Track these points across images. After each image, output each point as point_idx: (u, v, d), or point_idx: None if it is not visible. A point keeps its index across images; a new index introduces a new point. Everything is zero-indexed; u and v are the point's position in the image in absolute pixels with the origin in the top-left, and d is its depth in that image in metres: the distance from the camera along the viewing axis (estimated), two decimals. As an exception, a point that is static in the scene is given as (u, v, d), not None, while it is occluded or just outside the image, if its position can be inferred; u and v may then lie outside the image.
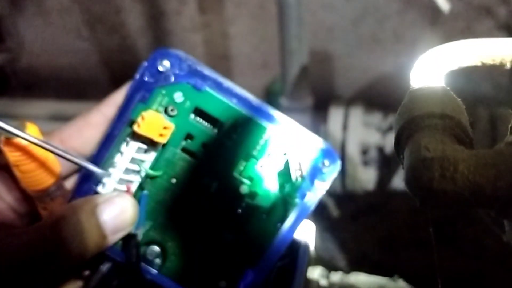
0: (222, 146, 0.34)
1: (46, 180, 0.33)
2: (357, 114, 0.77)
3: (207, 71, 0.35)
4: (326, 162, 0.35)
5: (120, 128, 0.34)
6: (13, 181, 0.33)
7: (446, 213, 0.82)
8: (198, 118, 0.35)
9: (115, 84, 0.36)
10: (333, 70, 0.92)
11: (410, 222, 0.85)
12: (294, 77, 0.76)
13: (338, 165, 0.35)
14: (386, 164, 0.75)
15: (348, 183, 0.76)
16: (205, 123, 0.35)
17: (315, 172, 0.35)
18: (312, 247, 0.40)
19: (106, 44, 1.00)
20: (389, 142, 0.74)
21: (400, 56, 0.86)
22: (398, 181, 0.74)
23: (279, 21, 0.74)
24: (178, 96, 0.34)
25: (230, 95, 0.34)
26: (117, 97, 0.35)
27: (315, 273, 0.45)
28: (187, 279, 0.35)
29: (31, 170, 0.32)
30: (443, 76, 0.27)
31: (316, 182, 0.35)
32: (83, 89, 1.01)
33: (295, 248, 0.38)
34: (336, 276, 0.46)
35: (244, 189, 0.34)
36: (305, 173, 0.34)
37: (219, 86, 0.34)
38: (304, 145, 0.35)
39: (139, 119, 0.33)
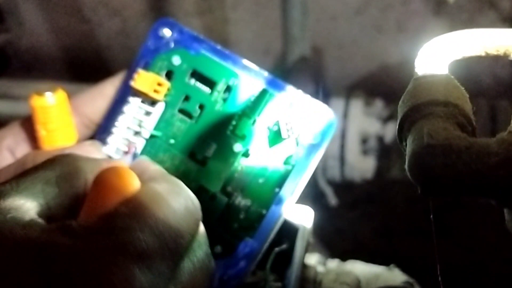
0: (218, 106, 0.36)
1: (66, 141, 0.36)
2: (358, 103, 0.77)
3: (202, 37, 0.37)
4: (320, 122, 0.35)
5: (124, 94, 0.37)
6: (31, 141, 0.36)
7: (443, 203, 0.82)
8: (195, 80, 0.37)
9: (116, 67, 0.37)
10: (335, 58, 0.92)
11: (408, 211, 0.85)
12: (295, 64, 0.76)
13: (333, 126, 0.35)
14: (385, 153, 0.75)
15: (347, 172, 0.76)
16: (201, 85, 0.37)
17: (310, 136, 0.35)
18: (310, 234, 0.40)
19: (108, 27, 0.99)
20: (389, 132, 0.74)
21: (402, 46, 0.85)
22: (397, 171, 0.75)
23: (282, 8, 0.73)
24: (176, 60, 0.37)
25: (225, 58, 0.36)
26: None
27: (312, 259, 0.45)
28: None
29: (55, 129, 0.35)
30: (447, 65, 0.27)
31: (311, 145, 0.35)
32: (84, 70, 1.00)
33: (293, 234, 0.38)
34: (333, 263, 0.46)
35: (237, 147, 0.35)
36: (299, 135, 0.35)
37: (214, 50, 0.36)
38: (298, 107, 0.35)
39: (135, 75, 0.36)
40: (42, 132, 0.35)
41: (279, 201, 0.35)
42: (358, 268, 0.44)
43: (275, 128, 0.35)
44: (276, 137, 0.35)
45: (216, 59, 0.36)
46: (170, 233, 0.24)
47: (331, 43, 0.91)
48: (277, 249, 0.37)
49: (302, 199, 0.36)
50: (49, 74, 0.97)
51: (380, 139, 0.75)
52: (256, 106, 0.35)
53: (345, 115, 0.76)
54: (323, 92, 0.81)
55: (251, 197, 0.35)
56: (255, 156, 0.35)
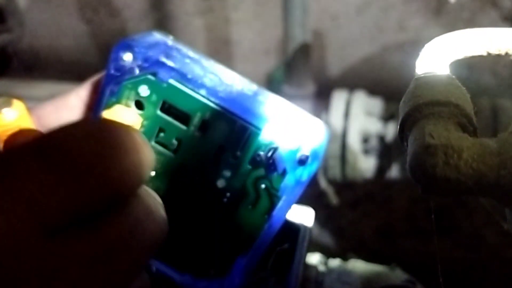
0: (195, 140, 0.32)
1: None
2: (359, 103, 0.77)
3: (171, 62, 0.32)
4: (308, 153, 0.32)
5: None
6: None
7: (444, 203, 0.82)
8: (167, 113, 0.32)
9: None
10: (336, 58, 0.92)
11: (409, 211, 0.85)
12: (296, 64, 0.76)
13: (320, 159, 0.32)
14: (386, 153, 0.75)
15: (348, 172, 0.76)
16: (174, 118, 0.32)
17: (296, 163, 0.32)
18: (311, 234, 0.40)
19: (109, 27, 0.99)
20: (390, 131, 0.74)
21: (403, 46, 0.86)
22: (398, 171, 0.75)
23: (283, 8, 0.73)
24: (144, 90, 0.32)
25: (198, 86, 0.32)
26: (95, 82, 0.34)
27: (313, 259, 0.45)
28: (178, 265, 0.34)
29: None
30: (448, 65, 0.27)
31: (299, 170, 0.32)
32: (84, 71, 1.00)
33: (294, 234, 0.38)
34: (334, 263, 0.46)
35: (221, 183, 0.33)
36: (286, 163, 0.32)
37: (184, 78, 0.32)
38: (283, 134, 0.32)
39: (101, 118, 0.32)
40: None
41: (270, 225, 0.33)
42: (359, 267, 0.44)
43: (259, 158, 0.32)
44: (261, 166, 0.32)
45: (186, 90, 0.32)
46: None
47: (332, 43, 0.91)
48: (278, 248, 0.37)
49: (303, 199, 0.36)
50: (50, 74, 0.97)
51: (381, 138, 0.75)
52: (237, 141, 0.32)
53: (346, 115, 0.76)
54: (324, 92, 0.81)
55: (241, 223, 0.33)
56: (241, 187, 0.33)
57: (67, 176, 0.20)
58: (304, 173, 0.32)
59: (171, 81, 0.32)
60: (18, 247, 0.19)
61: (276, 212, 0.33)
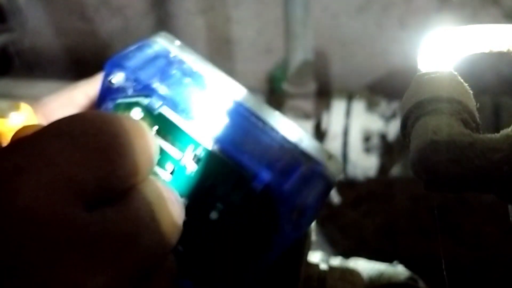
0: (189, 172, 0.29)
1: None
2: (360, 101, 0.77)
3: (165, 87, 0.29)
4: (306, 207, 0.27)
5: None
6: None
7: (446, 201, 0.82)
8: (161, 137, 0.29)
9: None
10: (337, 56, 0.92)
11: (411, 209, 0.85)
12: (298, 62, 0.76)
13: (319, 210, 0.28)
14: (388, 151, 0.75)
15: (350, 170, 0.76)
16: (167, 148, 0.29)
17: (292, 218, 0.28)
18: (313, 232, 0.40)
19: (110, 26, 0.99)
20: (392, 129, 0.74)
21: (405, 43, 0.85)
22: (400, 169, 0.75)
23: (284, 6, 0.73)
24: (136, 112, 0.29)
25: (189, 118, 0.28)
26: (102, 78, 0.34)
27: (315, 257, 0.45)
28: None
29: None
30: (450, 61, 0.27)
31: (296, 215, 0.28)
32: (86, 70, 1.00)
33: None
34: (336, 261, 0.46)
35: (214, 214, 0.29)
36: (281, 214, 0.28)
37: (175, 108, 0.28)
38: (282, 183, 0.27)
39: None
40: None
41: (265, 259, 0.30)
42: (362, 265, 0.44)
43: (252, 202, 0.28)
44: (254, 209, 0.28)
45: (178, 122, 0.28)
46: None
47: (334, 41, 0.91)
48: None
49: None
50: (51, 74, 0.97)
51: (383, 137, 0.75)
52: (228, 183, 0.28)
53: (347, 113, 0.76)
54: (326, 91, 0.81)
55: (236, 255, 0.30)
56: (235, 219, 0.29)
57: (93, 154, 0.22)
58: (303, 222, 0.28)
59: (163, 109, 0.28)
60: (61, 219, 0.20)
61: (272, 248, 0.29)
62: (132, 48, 0.31)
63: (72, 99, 0.35)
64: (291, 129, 0.29)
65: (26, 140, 0.22)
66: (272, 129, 0.29)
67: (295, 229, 0.28)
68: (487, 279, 0.79)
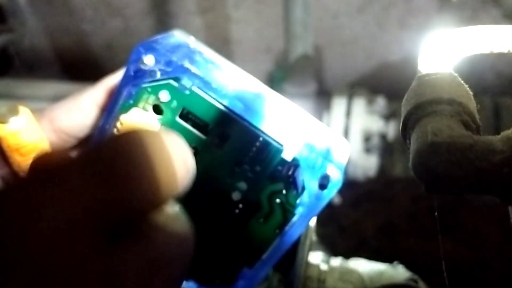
0: (213, 150, 0.31)
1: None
2: (360, 101, 0.77)
3: (196, 68, 0.30)
4: (332, 171, 0.31)
5: (110, 123, 0.32)
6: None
7: (446, 202, 0.82)
8: (185, 120, 0.31)
9: (118, 66, 0.35)
10: (337, 56, 0.92)
11: (411, 210, 0.85)
12: (298, 62, 0.76)
13: (341, 180, 0.32)
14: (388, 151, 0.75)
15: (350, 170, 0.76)
16: (193, 126, 0.31)
17: (317, 183, 0.31)
18: (313, 233, 0.40)
19: (109, 26, 0.99)
20: (391, 130, 0.74)
21: (404, 44, 0.86)
22: (400, 169, 0.75)
23: (284, 6, 0.73)
24: (164, 95, 0.30)
25: (221, 97, 0.30)
26: (109, 83, 0.34)
27: (316, 258, 0.45)
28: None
29: (29, 151, 0.32)
30: (451, 62, 0.27)
31: (318, 190, 0.31)
32: (86, 70, 1.01)
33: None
34: (336, 261, 0.46)
35: (236, 195, 0.32)
36: (306, 183, 0.31)
37: (208, 86, 0.30)
38: (307, 153, 0.30)
39: (118, 124, 0.31)
40: (16, 158, 0.32)
41: (282, 240, 0.32)
42: (362, 266, 0.44)
43: (279, 174, 0.31)
44: (279, 181, 0.31)
45: (209, 99, 0.30)
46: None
47: (333, 41, 0.91)
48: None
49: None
50: (51, 74, 0.97)
51: (383, 137, 0.75)
52: (258, 156, 0.30)
53: (347, 113, 0.76)
54: (326, 91, 0.81)
55: (251, 235, 0.32)
56: (255, 200, 0.32)
57: (114, 187, 0.21)
58: (324, 194, 0.31)
59: (194, 88, 0.30)
60: (82, 251, 0.20)
61: (289, 227, 0.32)
62: (156, 37, 0.32)
63: (79, 105, 0.34)
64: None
65: (45, 173, 0.21)
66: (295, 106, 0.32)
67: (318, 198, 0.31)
68: (487, 279, 0.79)
